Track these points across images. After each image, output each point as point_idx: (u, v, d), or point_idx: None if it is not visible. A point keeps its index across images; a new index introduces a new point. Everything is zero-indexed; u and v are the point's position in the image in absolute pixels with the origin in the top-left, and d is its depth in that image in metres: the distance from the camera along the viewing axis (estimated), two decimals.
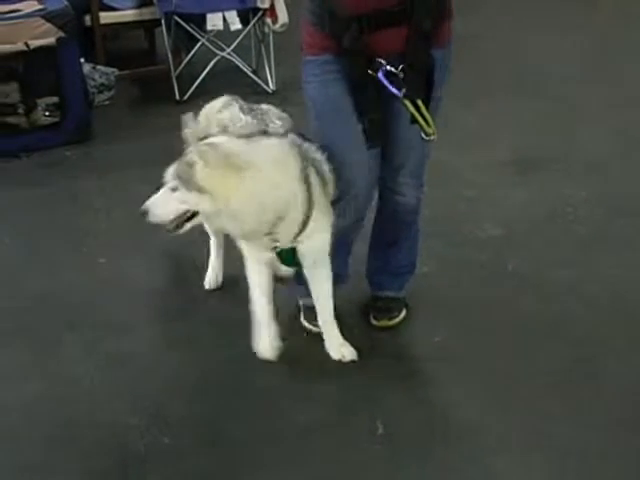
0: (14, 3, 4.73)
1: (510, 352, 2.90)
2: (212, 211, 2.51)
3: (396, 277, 3.10)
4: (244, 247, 2.79)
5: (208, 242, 3.30)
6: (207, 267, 3.32)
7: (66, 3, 4.76)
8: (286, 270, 2.81)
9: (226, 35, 5.40)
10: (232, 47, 5.40)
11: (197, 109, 2.97)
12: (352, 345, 2.89)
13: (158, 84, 5.53)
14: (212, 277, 3.31)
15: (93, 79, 5.23)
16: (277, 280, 2.88)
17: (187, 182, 2.48)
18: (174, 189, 2.53)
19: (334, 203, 2.76)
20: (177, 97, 5.29)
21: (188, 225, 2.59)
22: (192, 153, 2.48)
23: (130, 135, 4.79)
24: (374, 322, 3.06)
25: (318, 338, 2.94)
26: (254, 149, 2.57)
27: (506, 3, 6.98)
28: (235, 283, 3.00)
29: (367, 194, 2.83)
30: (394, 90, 2.60)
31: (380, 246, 3.08)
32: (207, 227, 3.15)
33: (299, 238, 2.67)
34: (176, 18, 5.21)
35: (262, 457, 2.52)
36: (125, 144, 4.68)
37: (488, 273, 3.35)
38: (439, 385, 2.84)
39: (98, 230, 3.79)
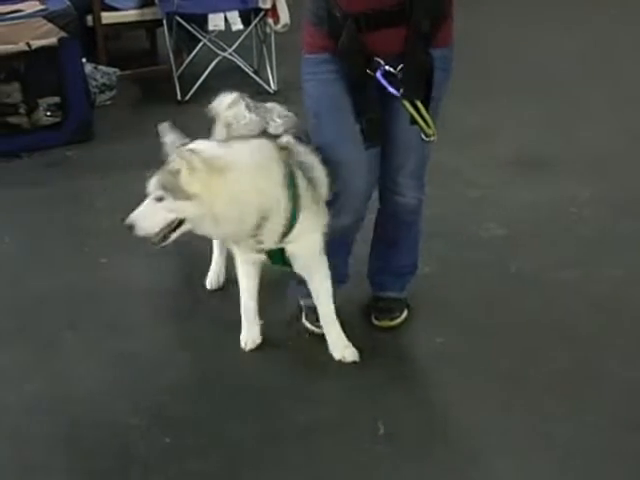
0: (16, 3, 4.75)
1: (512, 353, 2.89)
2: (199, 216, 2.51)
3: (397, 277, 3.09)
4: (234, 249, 2.80)
5: (210, 242, 3.29)
6: (209, 267, 3.31)
7: (68, 3, 4.77)
8: (280, 269, 2.82)
9: (228, 35, 5.40)
10: (234, 47, 5.40)
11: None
12: (353, 345, 2.88)
13: (160, 84, 5.54)
14: (214, 277, 3.30)
15: (95, 79, 5.23)
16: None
17: (173, 190, 2.48)
18: (160, 199, 2.52)
19: (332, 203, 2.77)
20: (179, 97, 5.29)
21: (173, 236, 2.58)
22: (175, 161, 2.48)
23: (131, 135, 4.78)
24: (375, 322, 3.06)
25: (319, 338, 2.93)
26: (237, 152, 2.58)
27: (506, 1, 6.98)
28: (237, 284, 2.99)
29: (365, 194, 2.82)
30: (393, 90, 2.60)
31: (381, 246, 3.07)
32: None
33: (286, 239, 2.67)
34: (178, 18, 5.22)
35: (263, 457, 2.51)
36: (126, 144, 4.68)
37: (491, 274, 3.34)
38: (440, 385, 2.83)
39: (99, 230, 3.78)
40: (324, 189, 2.73)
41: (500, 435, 2.55)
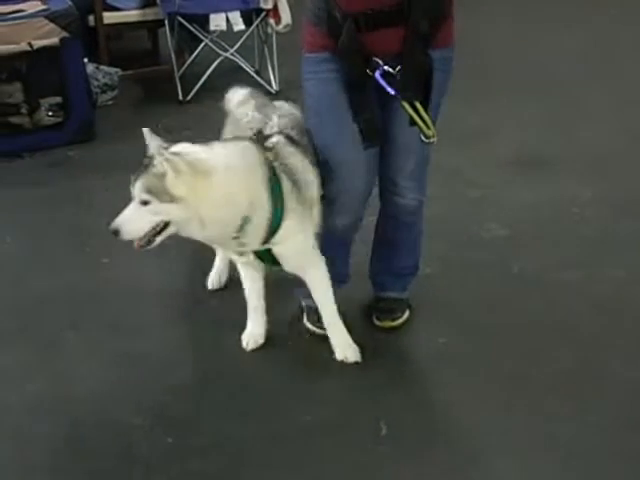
0: (17, 3, 4.75)
1: (514, 353, 2.89)
2: (184, 219, 2.51)
3: (399, 278, 3.09)
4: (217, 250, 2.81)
5: None
6: (211, 267, 3.32)
7: (70, 3, 4.77)
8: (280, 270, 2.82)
9: (229, 36, 5.41)
10: (235, 48, 5.40)
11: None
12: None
13: (161, 84, 5.54)
14: (215, 278, 3.31)
15: (96, 79, 5.24)
16: None
17: (159, 193, 2.48)
18: (145, 203, 2.52)
19: (330, 202, 2.76)
20: (180, 97, 5.29)
21: (158, 239, 2.57)
22: (160, 164, 2.48)
23: (133, 135, 4.70)
24: (377, 323, 3.06)
25: (320, 339, 2.93)
26: (221, 155, 2.59)
27: (506, 1, 6.98)
28: (238, 284, 2.99)
29: (364, 194, 2.81)
30: (391, 90, 2.59)
31: (382, 247, 3.07)
32: None
33: (273, 240, 2.67)
34: (179, 18, 5.22)
35: (265, 457, 2.52)
36: (128, 144, 4.62)
37: (492, 274, 3.34)
38: (442, 385, 2.83)
39: (101, 230, 3.72)
40: (313, 190, 2.73)
41: (501, 435, 2.55)
